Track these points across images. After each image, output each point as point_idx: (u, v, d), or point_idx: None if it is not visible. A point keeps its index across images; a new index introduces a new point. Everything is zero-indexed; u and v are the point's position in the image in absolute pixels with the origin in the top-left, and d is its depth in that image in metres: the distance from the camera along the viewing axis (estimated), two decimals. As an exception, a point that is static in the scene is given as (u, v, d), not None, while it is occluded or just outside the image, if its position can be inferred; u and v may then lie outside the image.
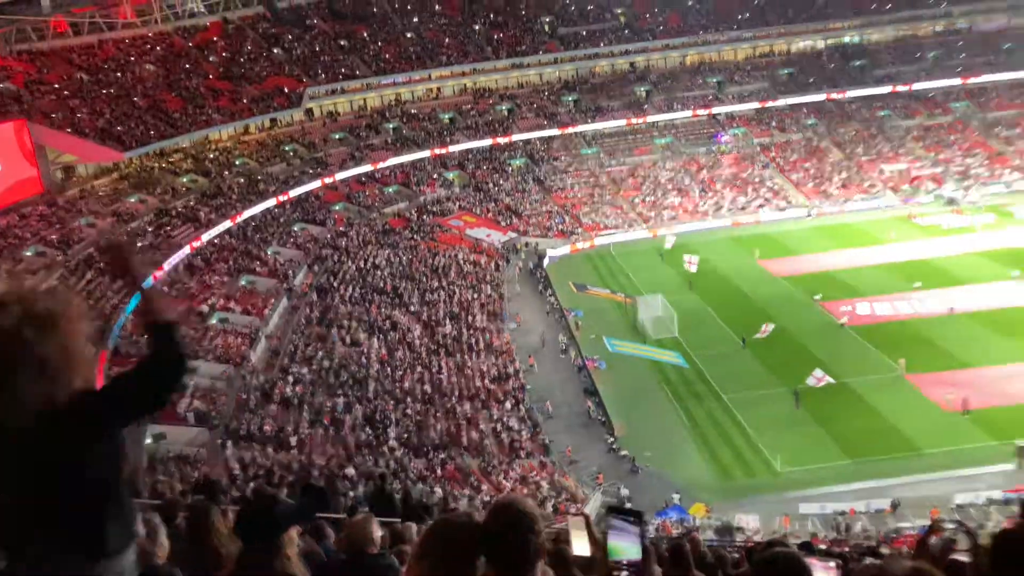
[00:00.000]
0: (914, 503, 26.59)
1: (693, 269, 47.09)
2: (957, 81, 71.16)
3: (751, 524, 26.15)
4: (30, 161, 45.08)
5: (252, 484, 21.12)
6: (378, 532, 5.31)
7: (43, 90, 50.32)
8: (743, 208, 62.29)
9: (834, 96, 71.69)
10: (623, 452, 31.78)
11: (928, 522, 25.21)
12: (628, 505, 25.79)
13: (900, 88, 71.46)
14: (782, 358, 37.54)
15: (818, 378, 33.04)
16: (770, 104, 71.58)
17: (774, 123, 70.98)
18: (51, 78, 52.18)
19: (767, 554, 3.70)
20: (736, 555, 12.04)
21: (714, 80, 73.73)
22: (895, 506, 27.04)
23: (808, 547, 11.80)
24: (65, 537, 2.18)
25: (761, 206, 62.36)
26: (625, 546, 2.17)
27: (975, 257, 48.22)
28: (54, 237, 40.56)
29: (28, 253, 38.69)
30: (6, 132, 43.70)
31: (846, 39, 76.73)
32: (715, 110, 71.46)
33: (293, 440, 29.68)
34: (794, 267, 49.60)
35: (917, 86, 71.56)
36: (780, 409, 33.42)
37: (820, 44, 76.76)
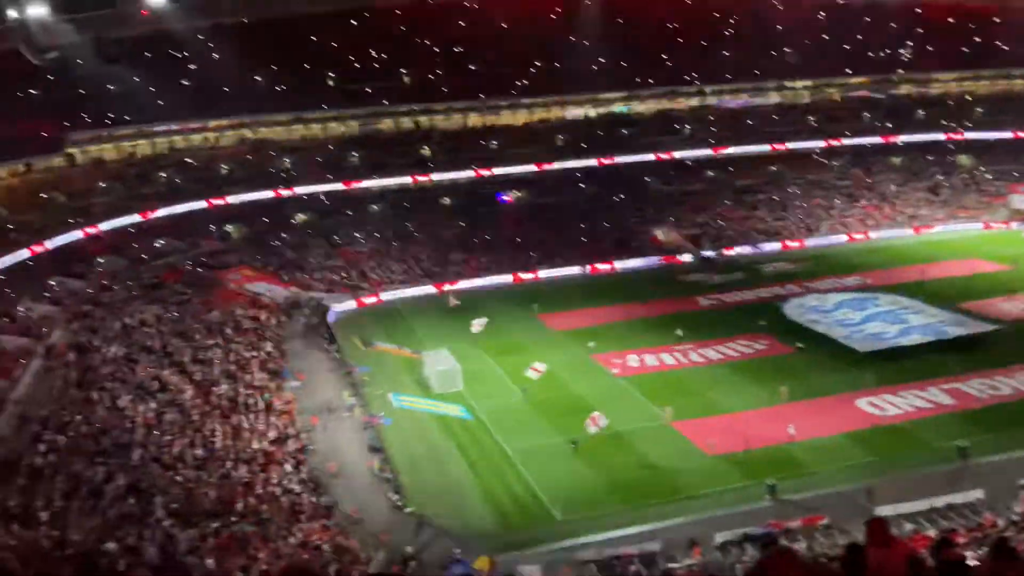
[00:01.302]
0: (681, 544, 28.26)
1: (478, 330, 48.17)
2: (709, 152, 78.74)
3: (533, 575, 26.66)
4: None
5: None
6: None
7: None
8: (523, 265, 64.62)
9: (604, 162, 76.70)
10: (409, 509, 31.48)
11: (694, 560, 27.01)
12: (412, 564, 25.67)
13: (663, 156, 77.81)
14: (560, 408, 39.12)
15: (594, 419, 34.66)
16: (546, 167, 75.28)
17: (550, 185, 74.60)
18: None
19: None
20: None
21: (495, 142, 76.61)
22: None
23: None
24: None
25: (540, 263, 65.02)
26: None
27: (728, 312, 53.14)
28: None
29: None
30: None
31: (615, 109, 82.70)
32: (496, 171, 74.09)
33: (44, 515, 26.78)
34: (571, 321, 52.06)
35: (677, 154, 78.30)
36: (559, 458, 34.64)
37: (592, 113, 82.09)
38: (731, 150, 78.60)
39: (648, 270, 64.55)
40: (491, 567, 27.53)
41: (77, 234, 54.17)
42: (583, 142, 77.94)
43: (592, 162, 76.61)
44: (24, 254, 49.24)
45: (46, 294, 46.97)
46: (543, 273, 63.61)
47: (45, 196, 56.59)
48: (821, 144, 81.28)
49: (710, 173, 78.15)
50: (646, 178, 76.70)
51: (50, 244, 51.53)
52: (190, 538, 26.93)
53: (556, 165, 75.63)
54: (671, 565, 26.73)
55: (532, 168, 75.06)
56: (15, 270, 47.75)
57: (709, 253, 66.80)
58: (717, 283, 59.46)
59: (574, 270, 64.35)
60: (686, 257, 66.54)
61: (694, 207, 74.10)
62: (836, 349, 44.90)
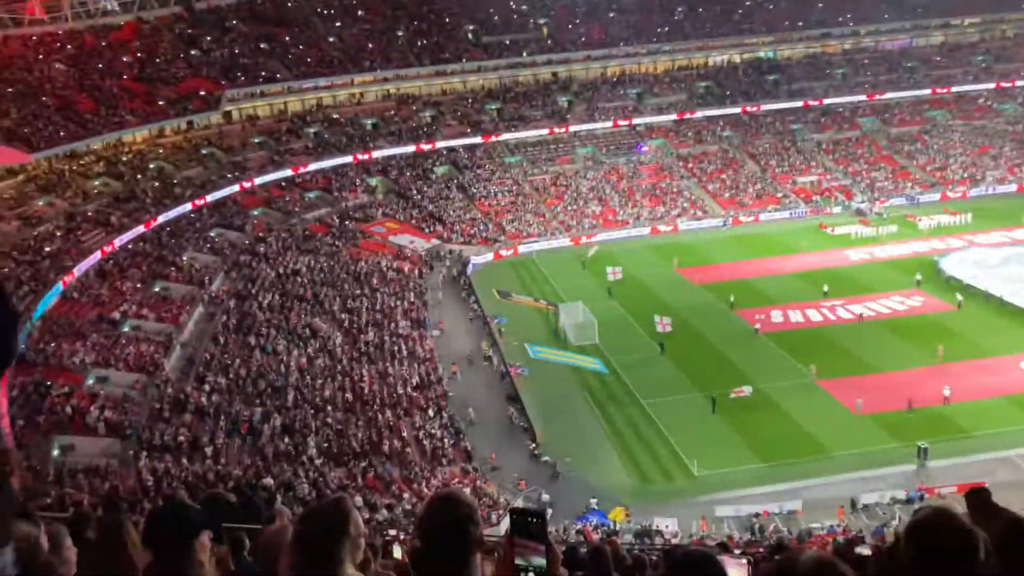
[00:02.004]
0: (823, 504, 27.51)
1: (615, 278, 48.04)
2: (862, 97, 74.34)
3: (669, 527, 26.64)
4: (-71, 161, 42.98)
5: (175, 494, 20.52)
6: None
7: (-57, 87, 48.12)
8: (661, 217, 63.60)
9: (749, 109, 73.91)
10: (544, 458, 32.01)
11: (835, 522, 26.22)
12: (549, 511, 26.04)
13: (811, 103, 74.22)
14: (699, 364, 38.49)
15: (739, 391, 33.89)
16: (688, 116, 73.35)
17: (691, 135, 72.74)
18: (-49, 75, 49.92)
19: (681, 552, 3.82)
20: (655, 558, 12.29)
21: (634, 92, 75.13)
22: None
23: (724, 547, 12.14)
24: None
25: (679, 216, 63.78)
26: (530, 552, 2.22)
27: (880, 266, 50.39)
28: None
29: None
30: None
31: (760, 54, 79.25)
32: (635, 121, 72.81)
33: (208, 450, 28.95)
34: (711, 275, 50.87)
35: (827, 101, 74.48)
36: (697, 414, 34.22)
37: (736, 59, 79.03)
38: (888, 95, 73.90)
39: (793, 222, 61.96)
40: (626, 518, 27.72)
41: (234, 188, 57.25)
42: (727, 89, 75.25)
43: (736, 110, 73.88)
44: (187, 207, 52.57)
45: (207, 245, 50.01)
46: (683, 225, 62.29)
47: (205, 152, 59.94)
48: (990, 86, 75.10)
49: (864, 120, 73.80)
50: (793, 126, 73.34)
51: (210, 198, 54.74)
52: (340, 477, 28.44)
53: (698, 114, 73.42)
54: (812, 525, 26.06)
55: (672, 117, 73.19)
56: (180, 222, 51.14)
57: (861, 204, 63.40)
58: (869, 236, 56.45)
59: (715, 222, 62.65)
60: (835, 209, 63.43)
61: (845, 156, 70.34)
62: (1000, 307, 42.00)
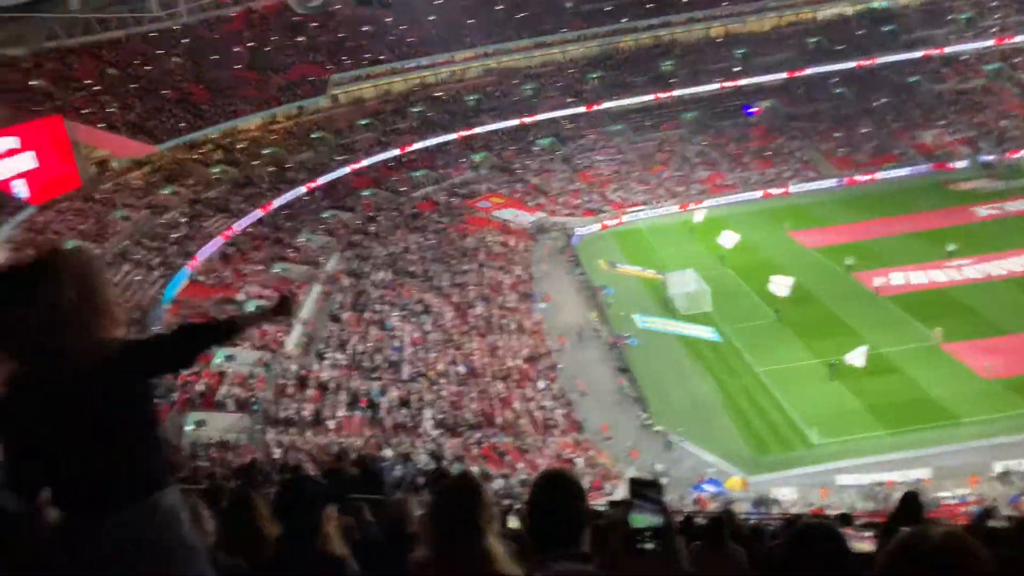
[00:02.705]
0: (953, 472, 26.37)
1: (732, 244, 46.76)
2: (990, 43, 69.56)
3: (788, 497, 26.13)
4: (66, 157, 45.78)
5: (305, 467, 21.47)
6: (417, 511, 5.46)
7: (75, 87, 50.99)
8: (772, 180, 61.64)
9: (863, 63, 70.41)
10: (657, 428, 31.84)
11: (967, 491, 25.09)
12: (664, 480, 25.94)
13: (931, 52, 70.04)
14: (816, 330, 37.32)
15: (858, 354, 32.68)
16: (798, 74, 70.53)
17: (802, 93, 69.97)
18: (81, 74, 52.84)
19: (802, 525, 3.75)
20: (773, 528, 12.10)
21: (740, 52, 72.75)
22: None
23: (846, 519, 11.84)
24: (106, 478, 2.37)
25: (791, 178, 61.67)
26: (646, 515, 2.25)
27: (1012, 221, 47.41)
28: (90, 230, 41.25)
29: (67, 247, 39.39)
30: (42, 129, 44.40)
31: (874, 4, 75.22)
32: (742, 82, 70.56)
33: (331, 424, 30.11)
34: (826, 238, 49.07)
35: (949, 50, 70.07)
36: (815, 381, 33.28)
37: (848, 11, 75.34)
38: (1019, 38, 68.88)
39: (914, 179, 58.86)
40: (743, 488, 27.34)
41: (344, 170, 58.81)
42: (838, 43, 71.87)
43: (850, 64, 70.48)
44: (301, 190, 54.40)
45: (321, 226, 51.69)
46: (794, 187, 60.21)
47: (315, 136, 61.73)
48: None
49: (989, 67, 69.08)
50: (911, 78, 69.47)
51: (322, 180, 56.45)
52: (455, 448, 29.10)
53: (808, 71, 70.46)
54: (942, 495, 25.02)
55: (782, 76, 70.53)
56: (295, 206, 53.01)
57: (989, 157, 59.63)
58: (999, 190, 53.13)
59: (829, 182, 60.25)
60: (960, 163, 59.91)
61: (970, 107, 66.21)
62: None
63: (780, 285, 39.79)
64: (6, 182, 40.32)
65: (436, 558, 2.64)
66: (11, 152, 41.42)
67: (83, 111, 48.57)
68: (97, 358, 2.38)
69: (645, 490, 2.30)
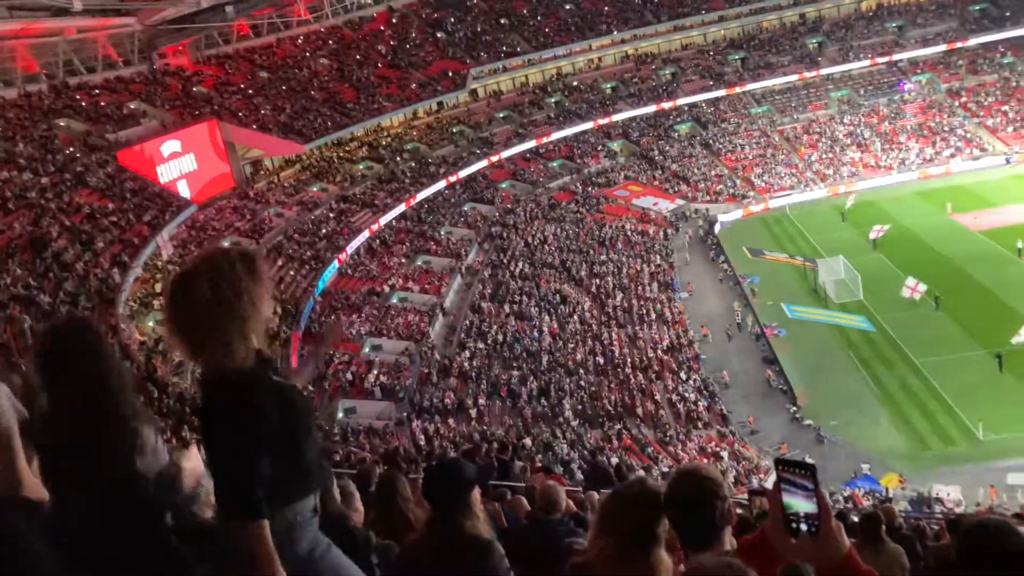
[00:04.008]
0: None
1: (879, 235, 44.18)
2: None
3: (952, 495, 24.50)
4: (222, 158, 48.70)
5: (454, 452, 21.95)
6: (564, 498, 5.40)
7: (230, 90, 54.00)
8: (931, 160, 57.88)
9: (1035, 29, 64.90)
10: (807, 421, 30.59)
11: None
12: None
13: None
14: (982, 319, 34.71)
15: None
16: (959, 45, 65.82)
17: (964, 65, 65.28)
18: (236, 79, 55.89)
19: (975, 522, 3.41)
20: (936, 527, 11.33)
21: (894, 24, 68.64)
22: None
23: (1021, 519, 10.94)
24: (248, 485, 2.34)
25: (952, 156, 57.70)
26: (799, 500, 2.04)
27: None
28: (246, 227, 43.65)
29: (225, 244, 41.88)
30: (201, 133, 47.37)
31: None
32: (896, 57, 66.56)
33: (472, 412, 30.65)
34: (993, 220, 45.53)
35: None
36: (981, 373, 31.01)
37: (1017, -27, 69.71)
38: None
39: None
40: (900, 485, 25.89)
41: (483, 163, 59.61)
42: (1007, 9, 66.54)
43: (1019, 32, 65.05)
44: (441, 184, 55.57)
45: (462, 219, 52.64)
46: (957, 167, 56.29)
47: (455, 131, 62.88)
48: None
49: None
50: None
51: (462, 174, 57.45)
52: (596, 438, 28.98)
53: (972, 41, 65.57)
54: None
55: (941, 48, 66.02)
56: (436, 199, 54.21)
57: None
58: None
59: (997, 160, 55.96)
60: None
61: None
62: None
63: (912, 289, 37.19)
64: (172, 183, 43.25)
65: (604, 563, 2.61)
66: (175, 155, 44.45)
67: (239, 113, 51.38)
68: (230, 366, 2.37)
69: (796, 470, 2.08)
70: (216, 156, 48.17)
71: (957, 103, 62.59)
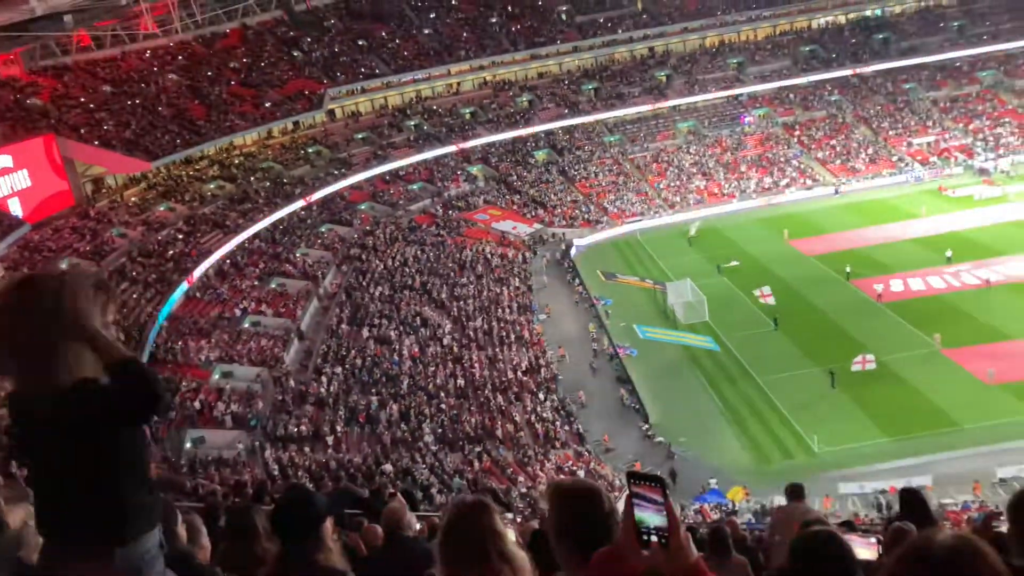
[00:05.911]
0: (955, 479, 26.23)
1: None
2: (984, 49, 69.78)
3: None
4: (60, 175, 45.79)
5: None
6: (412, 518, 5.43)
7: (69, 104, 50.96)
8: (769, 189, 61.75)
9: (858, 71, 70.68)
10: (658, 439, 31.70)
11: (971, 497, 24.95)
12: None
13: (925, 59, 70.27)
14: (816, 338, 37.27)
15: (861, 362, 32.57)
16: (792, 82, 70.78)
17: (797, 101, 70.20)
18: (77, 92, 52.79)
19: (806, 533, 3.66)
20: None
21: (735, 60, 73.02)
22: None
23: (850, 526, 11.71)
24: (82, 517, 2.26)
25: (788, 186, 61.79)
26: (649, 514, 2.12)
27: (1009, 227, 47.45)
28: (87, 248, 41.14)
29: (63, 266, 39.27)
30: (35, 148, 44.42)
31: (868, 12, 75.64)
32: (737, 91, 70.79)
33: (330, 439, 29.94)
34: (824, 246, 49.05)
35: (942, 56, 70.30)
36: (816, 390, 33.18)
37: (842, 19, 75.72)
38: (1011, 44, 68.94)
39: (911, 186, 58.99)
40: (745, 497, 27.17)
41: (341, 184, 58.75)
42: (833, 52, 72.16)
43: (844, 72, 70.70)
44: (298, 205, 54.32)
45: (319, 241, 51.56)
46: (791, 196, 60.30)
47: (311, 151, 61.72)
48: None
49: (984, 73, 69.18)
50: (906, 85, 69.68)
51: (319, 195, 56.37)
52: (455, 462, 28.93)
53: (803, 79, 70.63)
54: (945, 501, 24.87)
55: (776, 85, 70.76)
56: (292, 220, 52.89)
57: (984, 163, 59.76)
58: (994, 196, 53.20)
59: (826, 191, 60.37)
60: (956, 169, 60.09)
61: (965, 113, 66.36)
62: None
63: (764, 296, 40.05)
64: (2, 201, 40.31)
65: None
66: (6, 171, 41.50)
67: (79, 128, 48.53)
68: (63, 390, 2.25)
69: (646, 484, 2.15)
70: (53, 172, 45.25)
71: (792, 136, 67.10)
